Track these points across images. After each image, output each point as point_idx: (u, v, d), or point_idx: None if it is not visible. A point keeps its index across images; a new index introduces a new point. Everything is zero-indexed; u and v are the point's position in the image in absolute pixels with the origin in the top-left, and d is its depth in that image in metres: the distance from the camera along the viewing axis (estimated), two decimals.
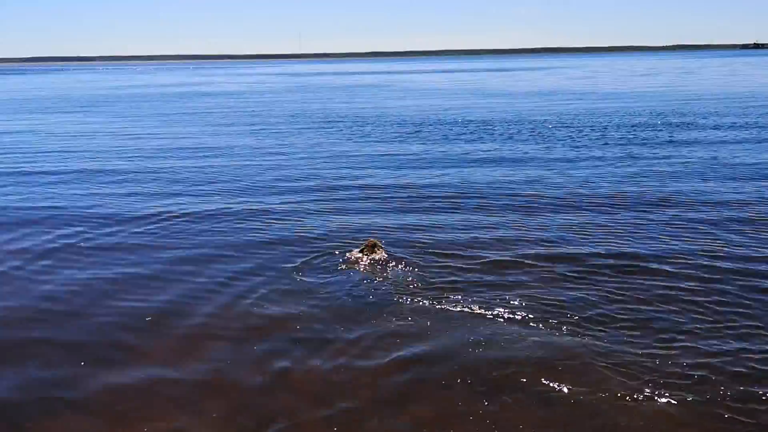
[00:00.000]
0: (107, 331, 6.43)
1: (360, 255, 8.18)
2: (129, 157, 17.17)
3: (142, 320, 6.60)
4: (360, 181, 13.26)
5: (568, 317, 6.43)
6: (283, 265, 8.04)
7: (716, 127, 20.27)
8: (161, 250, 8.85)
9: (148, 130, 23.39)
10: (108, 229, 9.92)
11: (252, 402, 5.16)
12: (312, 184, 13.08)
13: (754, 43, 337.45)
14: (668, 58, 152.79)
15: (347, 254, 8.27)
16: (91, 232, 9.71)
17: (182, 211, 10.85)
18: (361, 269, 7.85)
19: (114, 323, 6.60)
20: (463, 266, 7.85)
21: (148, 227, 9.95)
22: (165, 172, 14.65)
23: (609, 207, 10.70)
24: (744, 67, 73.70)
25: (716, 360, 5.57)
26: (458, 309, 6.63)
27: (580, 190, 11.93)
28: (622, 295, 6.95)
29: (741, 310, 6.56)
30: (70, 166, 15.77)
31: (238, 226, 9.92)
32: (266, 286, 7.38)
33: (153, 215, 10.63)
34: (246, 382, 5.45)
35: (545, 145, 17.59)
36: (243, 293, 7.22)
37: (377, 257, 8.10)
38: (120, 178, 14.11)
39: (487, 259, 8.09)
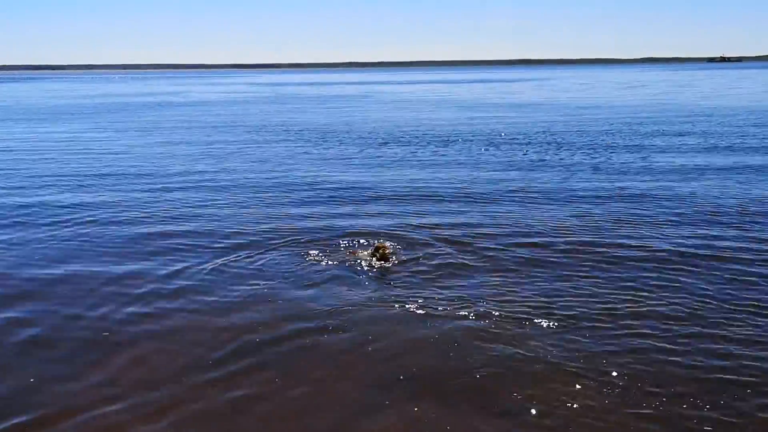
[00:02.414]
0: None
1: (360, 255, 8.20)
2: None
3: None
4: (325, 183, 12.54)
5: (535, 320, 6.20)
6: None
7: None
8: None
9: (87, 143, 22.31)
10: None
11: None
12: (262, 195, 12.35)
13: (721, 57, 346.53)
14: (643, 70, 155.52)
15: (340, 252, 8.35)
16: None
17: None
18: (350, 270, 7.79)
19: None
20: (437, 269, 7.76)
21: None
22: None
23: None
24: (727, 80, 75.33)
25: (688, 363, 5.36)
26: (428, 312, 6.47)
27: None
28: (596, 294, 6.83)
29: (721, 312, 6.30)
30: None
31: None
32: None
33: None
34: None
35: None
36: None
37: (369, 257, 8.05)
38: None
39: (457, 262, 8.04)
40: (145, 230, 9.93)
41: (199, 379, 5.33)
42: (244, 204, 11.81)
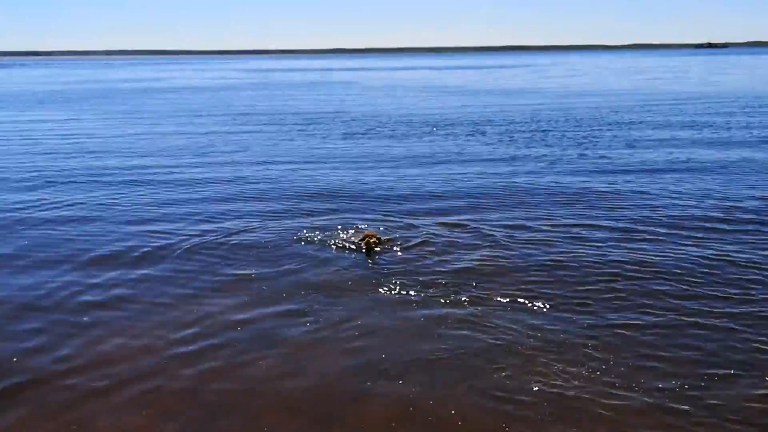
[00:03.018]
0: None
1: (350, 242, 8.25)
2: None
3: None
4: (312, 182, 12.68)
5: (518, 308, 6.31)
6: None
7: None
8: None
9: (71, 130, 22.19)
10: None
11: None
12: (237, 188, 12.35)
13: (708, 43, 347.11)
14: (634, 56, 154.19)
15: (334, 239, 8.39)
16: None
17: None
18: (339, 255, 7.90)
19: None
20: (423, 263, 7.71)
21: None
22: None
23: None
24: (727, 66, 75.24)
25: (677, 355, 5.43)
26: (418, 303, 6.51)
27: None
28: (584, 292, 6.75)
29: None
30: None
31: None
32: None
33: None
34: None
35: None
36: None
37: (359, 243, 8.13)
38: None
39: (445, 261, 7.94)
40: (123, 221, 9.84)
41: (173, 355, 5.54)
42: (228, 192, 11.78)
